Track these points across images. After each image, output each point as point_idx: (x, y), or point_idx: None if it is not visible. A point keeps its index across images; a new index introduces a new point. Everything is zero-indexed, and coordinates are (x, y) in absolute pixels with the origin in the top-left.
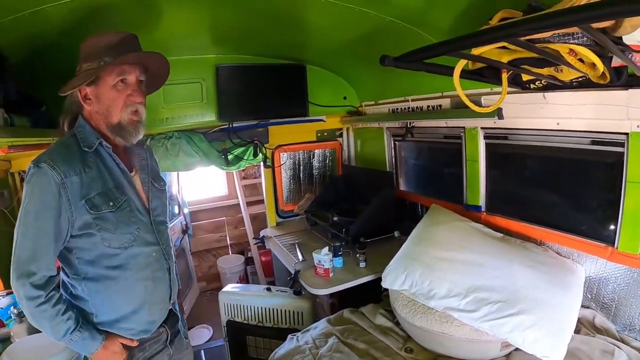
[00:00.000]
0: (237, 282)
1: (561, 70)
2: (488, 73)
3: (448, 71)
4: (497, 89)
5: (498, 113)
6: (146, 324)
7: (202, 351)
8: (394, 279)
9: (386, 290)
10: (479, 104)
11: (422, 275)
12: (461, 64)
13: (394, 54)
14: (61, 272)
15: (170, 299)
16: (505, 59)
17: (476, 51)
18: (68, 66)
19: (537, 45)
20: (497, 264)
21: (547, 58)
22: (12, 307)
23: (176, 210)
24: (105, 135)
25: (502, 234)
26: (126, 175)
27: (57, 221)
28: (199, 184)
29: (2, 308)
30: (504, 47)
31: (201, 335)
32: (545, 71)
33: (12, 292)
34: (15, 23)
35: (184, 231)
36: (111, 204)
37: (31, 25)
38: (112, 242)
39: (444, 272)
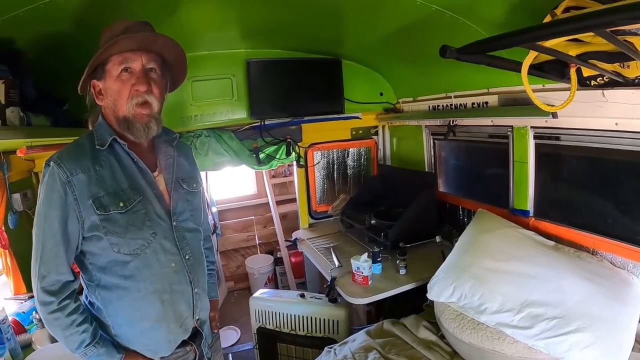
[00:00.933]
0: (266, 283)
1: (628, 66)
2: (550, 68)
3: (512, 65)
4: (550, 85)
5: (553, 115)
6: (165, 342)
7: (230, 355)
8: (441, 290)
9: (428, 299)
10: (529, 102)
11: (472, 288)
12: (531, 57)
13: (436, 47)
14: (81, 278)
15: (194, 315)
16: (572, 52)
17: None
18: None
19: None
20: (551, 276)
21: (626, 52)
22: (34, 312)
23: None
24: (119, 132)
25: (553, 242)
26: (145, 175)
27: (64, 221)
28: (227, 183)
29: (24, 312)
30: (574, 40)
31: (228, 337)
32: (610, 67)
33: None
34: (30, 15)
35: (212, 231)
36: (121, 204)
37: (46, 16)
38: (121, 248)
39: (495, 285)
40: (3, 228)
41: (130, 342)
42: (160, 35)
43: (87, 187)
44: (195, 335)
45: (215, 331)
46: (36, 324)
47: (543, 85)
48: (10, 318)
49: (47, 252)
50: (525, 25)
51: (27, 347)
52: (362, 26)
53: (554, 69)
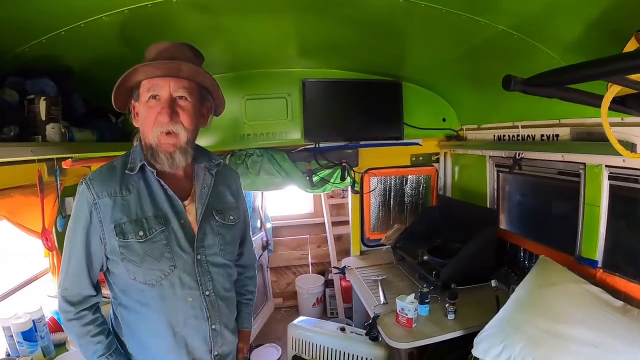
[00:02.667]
0: (314, 304)
1: None
2: (632, 102)
3: (590, 99)
4: (629, 118)
5: (632, 150)
6: None
7: None
8: (488, 347)
9: None
10: (605, 137)
11: (522, 350)
12: (613, 91)
13: (503, 71)
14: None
15: (212, 351)
16: None
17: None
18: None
19: None
20: (615, 347)
21: None
22: None
23: (258, 224)
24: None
25: (621, 302)
26: (174, 204)
27: (87, 242)
28: (285, 200)
29: None
30: None
31: (269, 354)
32: None
33: None
34: (72, 34)
35: (265, 247)
36: (141, 233)
37: (90, 35)
38: (137, 276)
39: (550, 351)
40: (52, 231)
41: None
42: (183, 63)
43: (111, 212)
44: None
45: None
46: None
47: (622, 119)
48: (49, 316)
49: (71, 267)
50: (604, 48)
51: (61, 345)
52: (424, 47)
53: (637, 104)
